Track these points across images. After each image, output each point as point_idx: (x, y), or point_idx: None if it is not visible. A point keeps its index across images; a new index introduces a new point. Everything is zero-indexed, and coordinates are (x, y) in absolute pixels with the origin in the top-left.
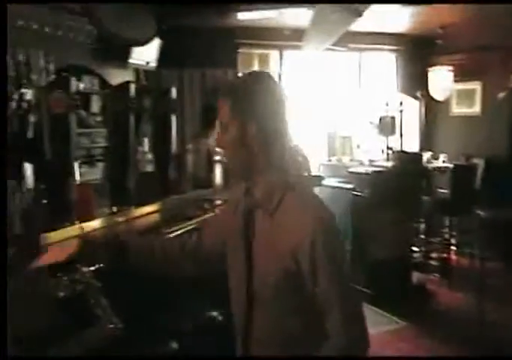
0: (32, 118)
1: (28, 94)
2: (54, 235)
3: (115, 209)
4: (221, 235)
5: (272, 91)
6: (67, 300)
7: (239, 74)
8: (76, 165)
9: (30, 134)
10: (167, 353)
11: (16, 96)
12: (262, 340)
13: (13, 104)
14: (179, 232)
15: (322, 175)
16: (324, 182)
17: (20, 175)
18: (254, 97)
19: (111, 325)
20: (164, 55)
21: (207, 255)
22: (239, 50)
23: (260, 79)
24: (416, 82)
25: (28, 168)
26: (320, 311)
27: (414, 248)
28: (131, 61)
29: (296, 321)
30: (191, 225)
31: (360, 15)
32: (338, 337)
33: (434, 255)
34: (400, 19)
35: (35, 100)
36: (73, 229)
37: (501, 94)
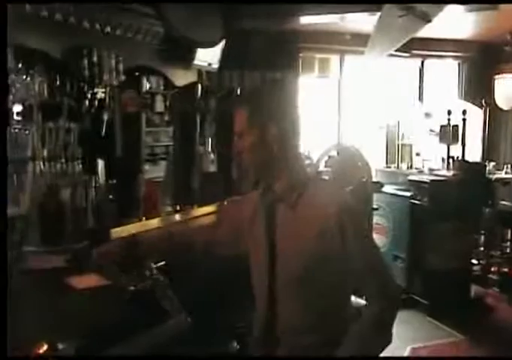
0: (105, 117)
1: (100, 93)
2: (121, 231)
3: (178, 208)
4: (239, 231)
5: (287, 94)
6: (138, 294)
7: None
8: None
9: (103, 132)
10: (227, 353)
11: (89, 95)
12: (290, 329)
13: (87, 103)
14: None
15: (382, 181)
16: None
17: (93, 172)
18: (272, 103)
19: (180, 321)
20: (225, 57)
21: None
22: (301, 54)
23: (274, 85)
24: (480, 90)
25: (99, 164)
26: (347, 288)
27: (474, 261)
28: (194, 62)
29: (323, 304)
30: None
31: (429, 21)
32: (375, 304)
33: (494, 268)
34: (466, 25)
35: (108, 99)
36: (140, 226)
37: None
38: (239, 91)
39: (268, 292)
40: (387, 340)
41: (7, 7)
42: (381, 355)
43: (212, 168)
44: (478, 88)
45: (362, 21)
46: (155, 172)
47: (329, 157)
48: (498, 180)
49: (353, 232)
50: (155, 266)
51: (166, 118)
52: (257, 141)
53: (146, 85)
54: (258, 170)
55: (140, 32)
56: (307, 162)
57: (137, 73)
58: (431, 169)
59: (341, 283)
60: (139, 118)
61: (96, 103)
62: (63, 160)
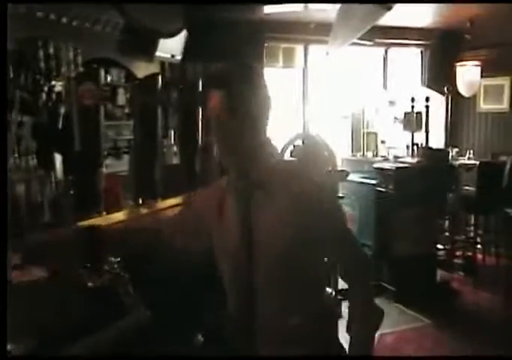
0: (62, 110)
1: (58, 86)
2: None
3: (141, 201)
4: (207, 221)
5: (260, 78)
6: (97, 290)
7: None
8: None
9: (60, 126)
10: (192, 346)
11: (46, 88)
12: (275, 315)
13: (44, 96)
14: None
15: (348, 170)
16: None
17: (50, 166)
18: (250, 86)
19: (140, 316)
20: (189, 48)
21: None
22: (265, 44)
23: (248, 67)
24: (442, 78)
25: (57, 159)
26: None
27: (439, 246)
28: (157, 53)
29: (305, 289)
30: None
31: (390, 8)
32: (357, 294)
33: (458, 253)
34: (428, 14)
35: (65, 92)
36: (101, 220)
37: None
38: (210, 72)
39: (247, 281)
40: (381, 312)
41: (7, 7)
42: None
43: (176, 160)
44: (441, 76)
45: (325, 10)
46: (119, 166)
47: (295, 146)
48: (461, 166)
49: (334, 215)
50: (115, 261)
51: (128, 111)
52: (232, 125)
53: (107, 78)
54: (233, 157)
55: (99, 23)
56: None
57: (95, 65)
58: (396, 157)
59: (321, 265)
60: (98, 111)
61: (52, 95)
62: (16, 155)
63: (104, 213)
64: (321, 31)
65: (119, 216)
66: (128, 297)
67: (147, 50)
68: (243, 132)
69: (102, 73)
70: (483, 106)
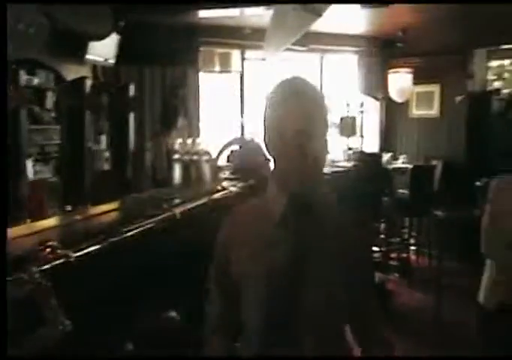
0: None
1: None
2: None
3: (69, 208)
4: (242, 246)
5: None
6: (14, 301)
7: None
8: (29, 162)
9: None
10: (122, 355)
11: None
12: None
13: None
14: (137, 231)
15: None
16: None
17: None
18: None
19: (61, 327)
20: (123, 52)
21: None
22: (201, 49)
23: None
24: (377, 84)
25: None
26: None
27: (375, 248)
28: (88, 56)
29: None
30: (149, 224)
31: (320, 15)
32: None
33: (394, 255)
34: (362, 21)
35: None
36: (25, 228)
37: (459, 98)
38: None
39: (281, 308)
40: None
41: (7, 7)
42: None
43: (107, 166)
44: (375, 82)
45: (260, 15)
46: (47, 172)
47: (232, 151)
48: (395, 169)
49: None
50: (36, 270)
51: (56, 114)
52: (322, 140)
53: (32, 80)
54: (308, 179)
55: (21, 22)
56: (205, 157)
57: (13, 66)
58: (332, 161)
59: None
60: (19, 115)
61: None
62: None
63: (29, 221)
64: (257, 36)
65: (45, 223)
66: (49, 308)
67: (77, 52)
68: (322, 154)
69: (25, 75)
70: (415, 111)
